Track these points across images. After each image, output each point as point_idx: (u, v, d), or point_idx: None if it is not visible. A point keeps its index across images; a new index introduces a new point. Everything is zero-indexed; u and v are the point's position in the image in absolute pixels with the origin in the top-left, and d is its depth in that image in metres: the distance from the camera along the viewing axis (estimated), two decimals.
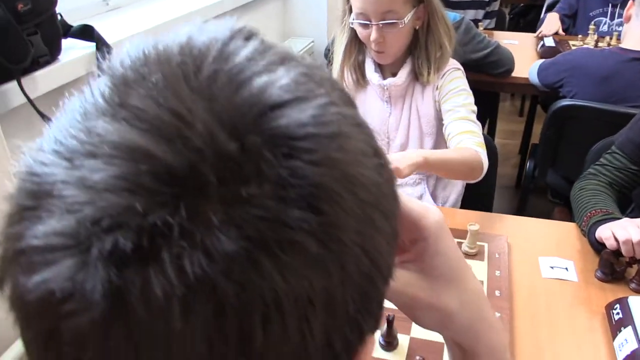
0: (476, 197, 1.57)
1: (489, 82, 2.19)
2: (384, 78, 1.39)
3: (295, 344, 0.27)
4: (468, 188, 1.54)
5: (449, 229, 0.48)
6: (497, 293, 1.04)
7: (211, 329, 0.24)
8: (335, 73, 1.39)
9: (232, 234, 0.24)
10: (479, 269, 1.10)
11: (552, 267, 1.12)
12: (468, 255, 1.15)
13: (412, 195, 1.28)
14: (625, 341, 0.89)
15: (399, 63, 1.36)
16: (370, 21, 1.25)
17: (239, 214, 0.24)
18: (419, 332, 0.96)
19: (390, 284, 0.35)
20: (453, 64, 1.37)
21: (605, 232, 1.06)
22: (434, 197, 1.47)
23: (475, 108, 1.33)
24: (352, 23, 1.30)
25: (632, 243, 1.01)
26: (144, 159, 0.24)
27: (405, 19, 1.24)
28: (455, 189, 1.48)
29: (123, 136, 0.24)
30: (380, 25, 1.24)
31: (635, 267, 1.05)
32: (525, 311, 1.01)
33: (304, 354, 0.27)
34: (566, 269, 1.12)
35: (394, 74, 1.38)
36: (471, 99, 1.34)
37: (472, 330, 0.49)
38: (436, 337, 0.92)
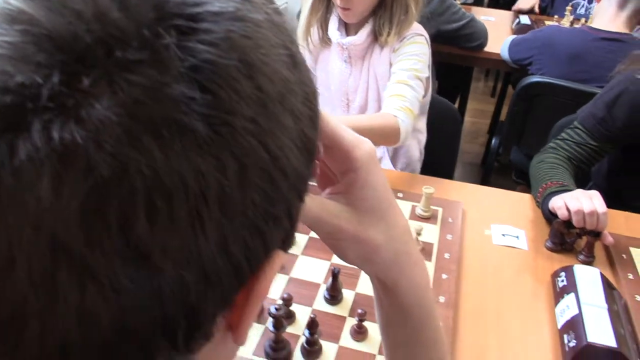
0: (438, 166, 1.56)
1: (462, 55, 2.18)
2: (344, 36, 1.36)
3: (185, 241, 0.25)
4: (430, 154, 1.54)
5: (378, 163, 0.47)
6: (446, 255, 1.04)
7: (88, 210, 0.22)
8: (300, 29, 1.35)
9: (107, 101, 0.22)
10: (431, 233, 1.10)
11: (503, 235, 1.13)
12: (422, 218, 1.14)
13: None
14: (567, 307, 0.90)
15: (362, 21, 1.32)
16: None
17: (117, 81, 0.23)
18: (364, 287, 0.95)
19: (307, 202, 0.33)
20: (417, 29, 1.34)
21: (558, 202, 1.06)
22: (393, 162, 1.46)
23: (422, 74, 1.30)
24: None
25: (584, 213, 1.01)
26: (27, 25, 0.23)
27: None
28: (413, 154, 1.47)
29: (8, 1, 0.24)
30: None
31: (584, 238, 1.06)
32: (473, 275, 1.02)
33: (196, 253, 0.25)
34: (517, 237, 1.12)
35: (355, 33, 1.35)
36: (420, 65, 1.31)
37: (397, 264, 0.48)
38: None
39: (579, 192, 1.06)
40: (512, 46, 1.99)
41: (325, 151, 0.45)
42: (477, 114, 3.42)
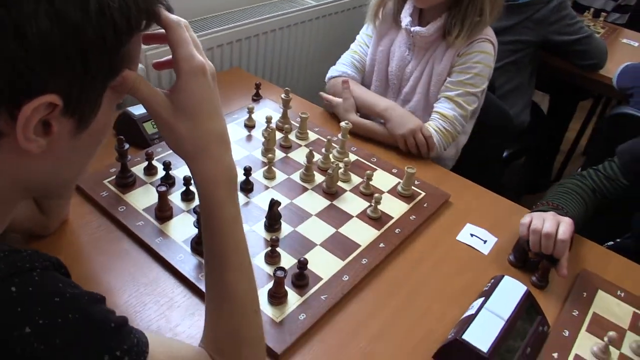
0: (474, 169, 1.57)
1: (573, 72, 2.07)
2: (414, 24, 1.40)
3: None
4: (471, 156, 1.55)
5: (215, 83, 0.61)
6: (396, 231, 1.09)
7: None
8: (372, 4, 1.42)
9: None
10: (396, 208, 1.15)
11: (471, 235, 1.14)
12: (400, 195, 1.19)
13: None
14: (471, 307, 0.92)
15: (436, 14, 1.35)
16: None
17: None
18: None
19: (144, 89, 0.57)
20: (487, 34, 1.34)
21: (525, 219, 1.05)
22: None
23: (477, 89, 1.34)
24: None
25: (540, 234, 1.00)
26: None
27: None
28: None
29: None
30: None
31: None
32: (412, 255, 1.06)
33: None
34: (484, 241, 1.13)
35: (426, 25, 1.38)
36: (477, 79, 1.34)
37: (195, 157, 0.61)
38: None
39: (549, 214, 1.04)
40: (622, 72, 1.85)
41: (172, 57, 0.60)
42: None
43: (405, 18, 1.40)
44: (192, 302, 0.88)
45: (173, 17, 0.60)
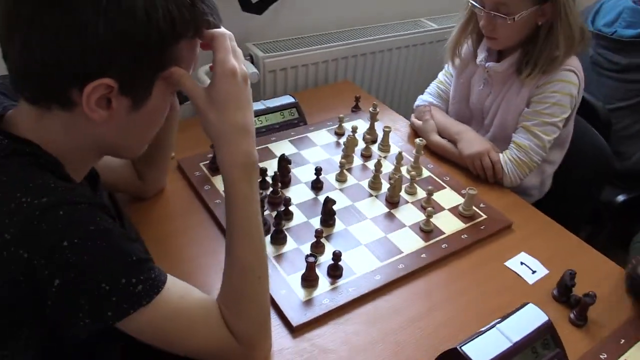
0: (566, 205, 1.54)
1: None
2: (489, 59, 1.42)
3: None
4: (563, 189, 1.53)
5: (246, 84, 0.77)
6: (443, 245, 1.15)
7: None
8: (449, 43, 1.48)
9: None
10: (452, 225, 1.21)
11: (521, 263, 1.15)
12: (461, 214, 1.24)
13: None
14: (487, 326, 0.96)
15: (511, 50, 1.37)
16: (484, 7, 1.30)
17: None
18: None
19: (190, 84, 0.74)
20: (569, 64, 1.33)
21: None
22: None
23: (555, 119, 1.33)
24: (469, 2, 1.35)
25: None
26: None
27: (516, 15, 1.25)
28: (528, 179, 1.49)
29: None
30: (492, 14, 1.28)
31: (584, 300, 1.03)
32: (453, 271, 1.11)
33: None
34: (534, 272, 1.14)
35: (501, 60, 1.40)
36: (556, 109, 1.33)
37: (218, 142, 0.77)
38: None
39: None
40: None
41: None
42: None
43: (481, 54, 1.44)
44: None
45: (218, 30, 0.76)
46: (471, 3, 1.34)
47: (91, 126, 0.71)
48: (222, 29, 0.77)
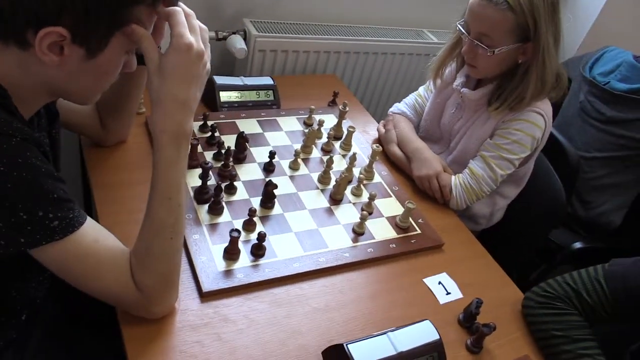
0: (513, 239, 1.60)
1: None
2: (466, 84, 1.46)
3: None
4: (513, 223, 1.59)
5: (200, 62, 0.83)
6: (368, 250, 1.21)
7: None
8: (433, 64, 1.52)
9: None
10: (384, 233, 1.27)
11: (439, 283, 1.21)
12: (397, 225, 1.30)
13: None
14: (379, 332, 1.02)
15: (487, 81, 1.41)
16: (468, 34, 1.33)
17: None
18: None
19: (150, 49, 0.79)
20: (539, 106, 1.36)
21: None
22: None
23: (512, 156, 1.37)
24: (458, 25, 1.38)
25: None
26: None
27: (496, 49, 1.28)
28: (477, 209, 1.54)
29: None
30: (474, 42, 1.32)
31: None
32: (370, 276, 1.17)
33: None
34: (448, 293, 1.20)
35: (477, 88, 1.44)
36: (516, 147, 1.37)
37: (154, 106, 0.83)
38: None
39: None
40: None
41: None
42: None
43: (460, 78, 1.48)
44: None
45: (174, 7, 0.81)
46: (459, 28, 1.38)
47: (43, 68, 0.76)
48: (182, 6, 0.82)
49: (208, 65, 0.85)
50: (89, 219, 0.82)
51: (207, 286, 1.02)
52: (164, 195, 0.85)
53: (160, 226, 0.86)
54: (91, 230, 0.82)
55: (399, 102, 1.66)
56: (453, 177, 1.43)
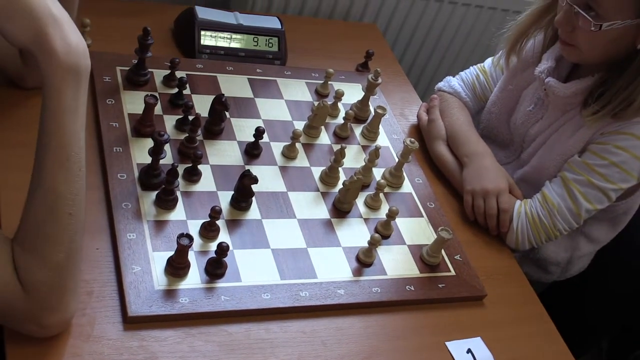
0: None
1: None
2: (555, 72, 1.46)
3: None
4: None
5: None
6: (374, 289, 1.24)
7: None
8: (513, 29, 1.52)
9: None
10: (401, 267, 1.30)
11: (468, 351, 1.24)
12: (422, 258, 1.33)
13: None
14: None
15: (589, 71, 1.40)
16: None
17: None
18: None
19: None
20: None
21: None
22: None
23: (605, 184, 1.37)
24: None
25: None
26: None
27: (606, 23, 1.27)
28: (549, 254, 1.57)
29: None
30: (574, 10, 1.30)
31: None
32: (369, 328, 1.21)
33: None
34: (472, 357, 1.22)
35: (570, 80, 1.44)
36: (615, 171, 1.37)
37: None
38: None
39: None
40: None
41: None
42: None
43: (546, 62, 1.46)
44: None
45: None
46: None
47: None
48: None
49: None
50: None
51: (134, 308, 1.06)
52: (61, 155, 0.89)
53: (55, 198, 0.90)
54: None
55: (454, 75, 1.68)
56: (517, 202, 1.44)
